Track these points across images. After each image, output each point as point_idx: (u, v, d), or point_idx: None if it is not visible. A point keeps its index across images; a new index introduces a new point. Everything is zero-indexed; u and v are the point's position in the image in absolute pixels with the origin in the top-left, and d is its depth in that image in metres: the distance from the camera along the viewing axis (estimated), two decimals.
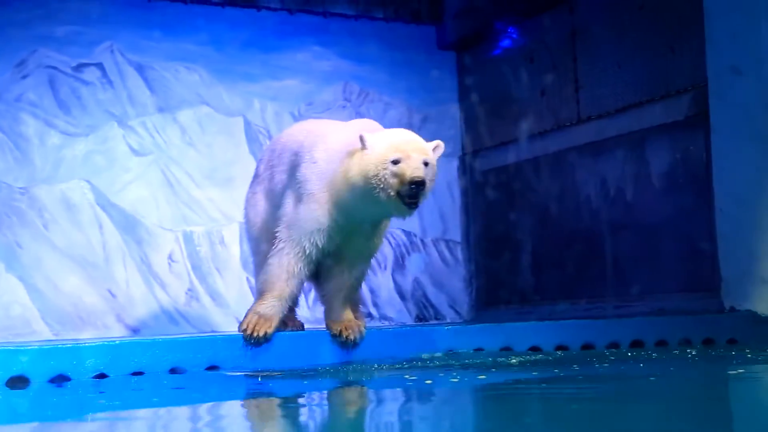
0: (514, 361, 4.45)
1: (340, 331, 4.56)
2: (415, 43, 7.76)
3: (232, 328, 6.27)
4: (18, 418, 3.32)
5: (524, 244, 7.17)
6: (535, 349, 5.00)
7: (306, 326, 5.22)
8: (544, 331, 5.14)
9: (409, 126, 7.64)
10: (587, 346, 5.07)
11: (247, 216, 5.09)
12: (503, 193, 7.39)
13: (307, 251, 4.45)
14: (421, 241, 7.57)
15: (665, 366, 4.10)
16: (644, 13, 6.34)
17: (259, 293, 4.61)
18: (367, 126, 4.66)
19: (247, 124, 7.18)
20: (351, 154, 4.29)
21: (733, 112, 5.56)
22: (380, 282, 7.30)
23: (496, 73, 7.52)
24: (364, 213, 4.38)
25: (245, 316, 4.54)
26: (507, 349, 4.98)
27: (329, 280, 4.64)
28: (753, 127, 5.45)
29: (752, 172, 5.45)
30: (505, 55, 7.45)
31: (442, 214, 7.67)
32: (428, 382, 3.63)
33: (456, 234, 7.66)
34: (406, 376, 3.85)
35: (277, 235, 4.54)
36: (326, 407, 3.18)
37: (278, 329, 4.56)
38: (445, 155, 7.69)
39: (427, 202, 7.48)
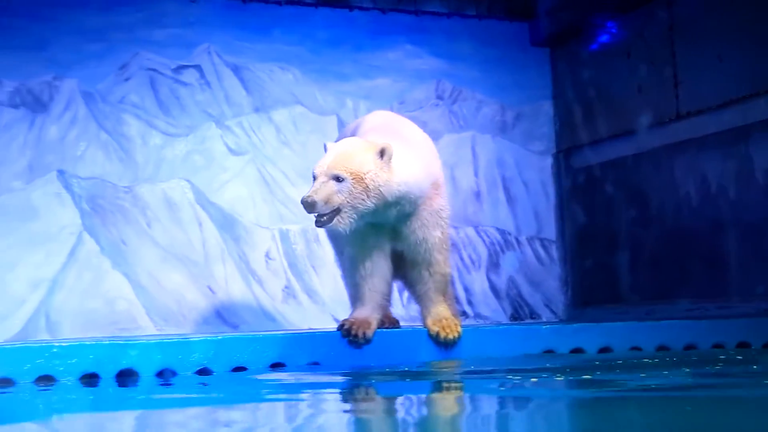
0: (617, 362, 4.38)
1: (438, 332, 4.57)
2: (508, 40, 7.70)
3: (329, 325, 6.35)
4: (128, 408, 3.42)
5: (621, 243, 7.05)
6: (635, 350, 4.92)
7: (402, 323, 5.25)
8: (645, 331, 5.04)
9: (502, 124, 7.65)
10: (690, 347, 4.97)
11: None
12: (599, 190, 7.28)
13: (360, 249, 4.46)
14: (516, 239, 7.51)
15: None
16: (746, 4, 6.16)
17: (353, 298, 4.67)
18: (376, 120, 4.73)
19: (340, 123, 7.23)
20: None
21: None
22: (474, 280, 7.28)
23: (591, 69, 7.41)
24: None
25: (344, 321, 4.58)
26: (606, 350, 4.91)
27: (411, 279, 4.66)
28: None
29: None
30: (601, 51, 7.34)
31: (536, 212, 7.61)
32: (533, 380, 3.59)
33: (551, 232, 7.59)
34: (509, 377, 3.82)
35: None
36: (432, 406, 3.17)
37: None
38: (538, 153, 7.73)
39: (521, 200, 7.55)
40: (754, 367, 4.06)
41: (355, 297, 4.60)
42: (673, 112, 6.67)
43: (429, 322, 4.62)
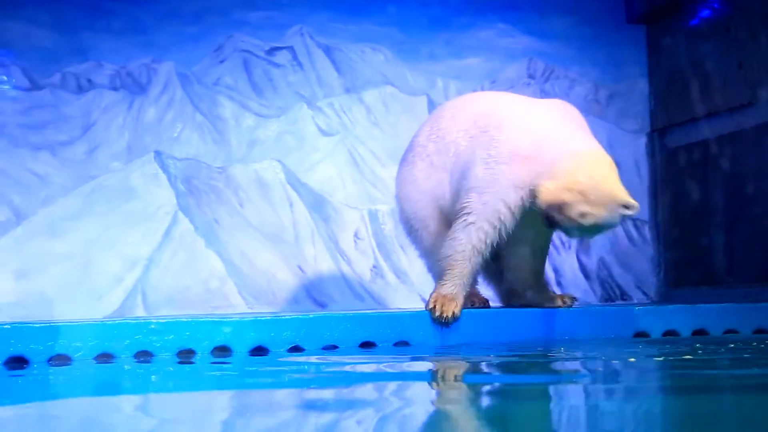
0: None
1: (564, 301, 4.82)
2: (602, 17, 7.55)
3: (417, 305, 6.37)
4: (223, 385, 3.51)
5: (716, 224, 6.86)
6: (731, 332, 4.81)
7: (491, 303, 5.23)
8: (741, 313, 4.92)
9: (595, 102, 7.50)
10: None
11: (405, 195, 5.04)
12: (694, 170, 7.09)
13: (502, 218, 4.45)
14: None
15: None
16: None
17: (439, 274, 4.64)
18: (558, 107, 4.71)
19: (431, 104, 7.22)
20: None
21: None
22: (564, 261, 7.19)
23: (688, 45, 7.20)
24: None
25: (429, 298, 4.59)
26: (701, 332, 4.81)
27: (522, 259, 4.70)
28: None
29: None
30: (699, 27, 7.13)
31: (629, 192, 7.42)
32: (631, 360, 3.53)
33: (644, 212, 7.40)
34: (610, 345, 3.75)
35: (465, 206, 4.52)
36: (545, 390, 3.08)
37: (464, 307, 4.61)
38: (632, 132, 7.57)
39: None
40: None
41: (446, 269, 4.57)
42: None
43: (545, 301, 4.86)
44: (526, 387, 3.09)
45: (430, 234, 4.89)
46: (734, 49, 6.76)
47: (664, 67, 7.43)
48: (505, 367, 3.68)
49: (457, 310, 4.50)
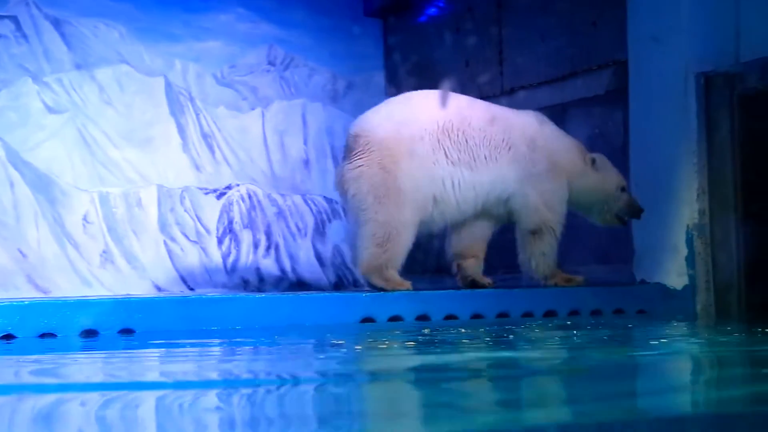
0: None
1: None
2: (341, 9, 7.70)
3: (149, 292, 6.19)
4: None
5: None
6: (451, 318, 5.06)
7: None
8: (461, 299, 5.20)
9: (334, 93, 7.64)
10: (502, 315, 5.16)
11: (401, 164, 5.18)
12: None
13: None
14: (343, 208, 7.54)
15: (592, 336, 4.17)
16: None
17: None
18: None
19: (168, 85, 7.04)
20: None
21: (651, 86, 5.67)
22: (300, 248, 7.27)
23: (421, 41, 7.50)
24: None
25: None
26: (424, 317, 5.02)
27: None
28: (669, 100, 5.56)
29: (666, 147, 5.57)
30: (431, 23, 7.44)
31: None
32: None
33: None
34: (333, 341, 3.84)
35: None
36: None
37: None
38: None
39: None
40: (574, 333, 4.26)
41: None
42: (497, 88, 6.85)
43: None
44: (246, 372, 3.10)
45: (396, 206, 5.11)
46: (462, 48, 7.12)
47: (398, 61, 7.69)
48: (219, 355, 3.68)
49: None
